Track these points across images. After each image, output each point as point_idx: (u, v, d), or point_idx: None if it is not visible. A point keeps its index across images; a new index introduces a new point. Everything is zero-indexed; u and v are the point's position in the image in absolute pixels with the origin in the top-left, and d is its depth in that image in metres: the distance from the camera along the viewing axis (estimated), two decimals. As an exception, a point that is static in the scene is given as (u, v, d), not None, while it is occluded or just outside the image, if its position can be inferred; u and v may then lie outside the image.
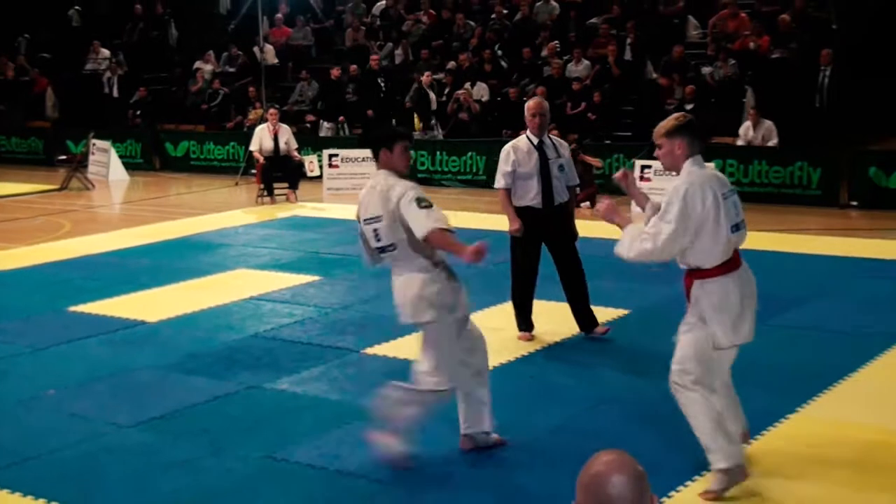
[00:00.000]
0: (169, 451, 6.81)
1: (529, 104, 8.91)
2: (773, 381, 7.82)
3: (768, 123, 16.85)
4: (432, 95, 20.19)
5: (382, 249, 6.27)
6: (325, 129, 21.14)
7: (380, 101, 20.80)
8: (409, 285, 6.23)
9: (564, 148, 9.02)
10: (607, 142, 18.23)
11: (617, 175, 6.28)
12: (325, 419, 7.29)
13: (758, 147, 16.77)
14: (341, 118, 21.14)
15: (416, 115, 20.37)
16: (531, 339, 8.97)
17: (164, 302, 10.64)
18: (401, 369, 8.30)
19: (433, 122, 20.17)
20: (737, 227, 5.80)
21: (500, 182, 8.87)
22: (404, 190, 6.15)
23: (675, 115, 6.18)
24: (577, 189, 8.45)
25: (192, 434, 7.10)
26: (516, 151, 8.79)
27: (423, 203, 6.08)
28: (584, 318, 9.01)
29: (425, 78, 20.24)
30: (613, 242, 5.94)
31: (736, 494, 5.91)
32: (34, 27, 27.63)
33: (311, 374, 8.29)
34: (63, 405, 7.72)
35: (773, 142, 16.91)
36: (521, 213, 8.79)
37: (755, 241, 12.42)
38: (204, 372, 8.41)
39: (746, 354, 8.26)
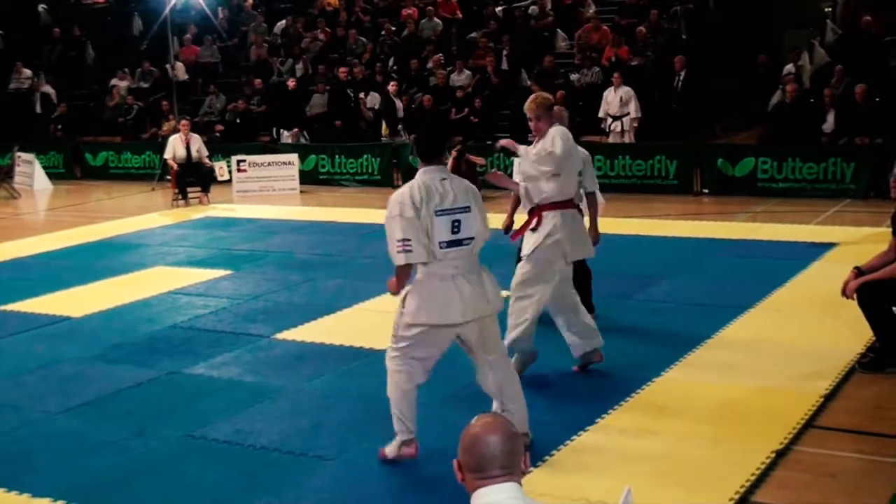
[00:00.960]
0: (96, 434, 6.66)
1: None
2: (638, 349, 7.95)
3: (627, 88, 17.20)
4: (399, 103, 19.77)
5: (458, 242, 5.65)
6: (286, 137, 20.42)
7: (349, 111, 20.01)
8: (492, 280, 5.87)
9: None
10: (488, 142, 18.25)
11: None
12: (239, 399, 7.21)
13: (622, 144, 17.02)
14: (295, 130, 20.49)
15: (384, 122, 20.01)
16: None
17: (87, 299, 10.41)
18: (309, 352, 8.29)
19: (399, 127, 19.77)
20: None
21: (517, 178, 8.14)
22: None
23: (542, 94, 7.25)
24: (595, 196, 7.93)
25: (117, 418, 6.95)
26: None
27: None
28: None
29: (391, 87, 19.69)
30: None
31: (604, 453, 5.99)
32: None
33: (225, 359, 8.18)
34: (-5, 396, 7.51)
35: (633, 105, 17.20)
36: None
37: (622, 226, 12.72)
38: (127, 361, 8.25)
39: (614, 327, 8.43)
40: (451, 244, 5.61)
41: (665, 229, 12.97)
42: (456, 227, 5.60)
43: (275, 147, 19.62)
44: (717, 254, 11.37)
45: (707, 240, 12.18)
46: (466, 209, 5.64)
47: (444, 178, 5.67)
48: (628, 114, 17.27)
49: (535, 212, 7.13)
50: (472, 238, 5.66)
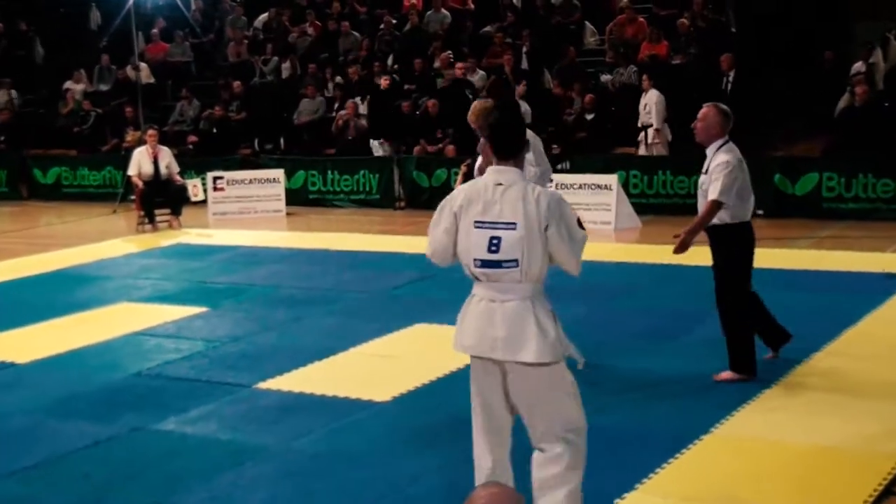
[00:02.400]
0: (46, 502, 6.64)
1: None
2: (682, 402, 7.92)
3: (653, 92, 17.22)
4: (525, 107, 18.31)
5: (495, 264, 5.39)
6: (378, 147, 19.82)
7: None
8: (548, 316, 5.43)
9: (715, 162, 8.23)
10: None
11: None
12: (216, 460, 7.18)
13: (661, 157, 17.03)
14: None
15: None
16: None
17: (36, 341, 10.41)
18: (298, 404, 8.26)
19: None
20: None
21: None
22: (556, 197, 5.48)
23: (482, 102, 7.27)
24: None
25: (71, 483, 6.92)
26: None
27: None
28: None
29: (520, 88, 18.93)
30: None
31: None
32: None
33: (200, 413, 8.17)
34: (-73, 458, 7.51)
35: (654, 114, 17.21)
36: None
37: (661, 254, 12.67)
38: (83, 415, 8.24)
39: (653, 375, 8.41)
40: (485, 264, 5.39)
41: (711, 258, 12.89)
42: (494, 244, 5.36)
43: (257, 161, 19.71)
44: (774, 287, 11.27)
45: (762, 270, 12.08)
46: (510, 226, 5.34)
47: (499, 184, 5.41)
48: (652, 124, 17.21)
49: None
50: (515, 262, 5.32)
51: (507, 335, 5.33)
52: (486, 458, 5.54)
